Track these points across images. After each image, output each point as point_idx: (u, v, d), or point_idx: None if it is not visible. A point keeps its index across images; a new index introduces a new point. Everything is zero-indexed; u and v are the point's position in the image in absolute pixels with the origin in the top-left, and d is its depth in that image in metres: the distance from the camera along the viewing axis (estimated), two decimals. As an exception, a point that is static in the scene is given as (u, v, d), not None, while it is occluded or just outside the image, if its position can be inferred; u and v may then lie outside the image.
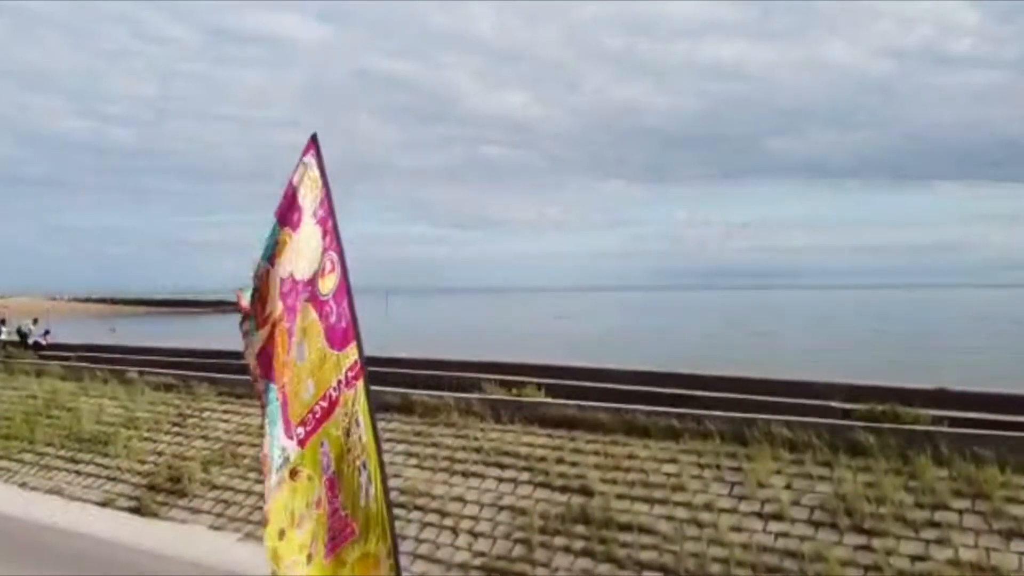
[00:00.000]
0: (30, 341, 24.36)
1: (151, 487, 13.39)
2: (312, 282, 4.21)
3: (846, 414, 12.30)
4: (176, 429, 15.26)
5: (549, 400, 12.65)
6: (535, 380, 15.48)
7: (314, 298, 4.22)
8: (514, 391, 13.21)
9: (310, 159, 4.34)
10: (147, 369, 17.91)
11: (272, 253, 4.06)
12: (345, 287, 4.38)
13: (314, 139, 4.39)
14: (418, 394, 13.68)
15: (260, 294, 4.06)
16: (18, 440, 16.15)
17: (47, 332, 25.77)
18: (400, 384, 16.78)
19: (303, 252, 4.15)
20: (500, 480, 11.40)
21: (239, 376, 17.32)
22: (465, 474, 11.73)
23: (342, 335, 4.33)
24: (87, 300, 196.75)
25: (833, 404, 12.70)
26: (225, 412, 15.36)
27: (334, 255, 4.34)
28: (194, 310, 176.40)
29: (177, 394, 16.58)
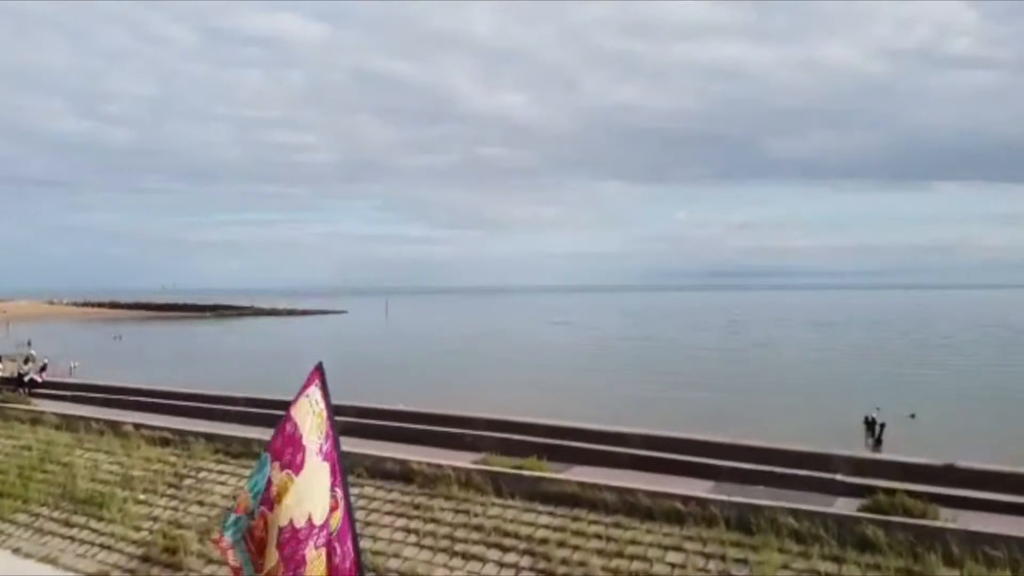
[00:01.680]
0: (26, 379, 24.10)
1: (145, 558, 13.18)
2: (325, 525, 4.01)
3: (851, 490, 12.15)
4: (172, 491, 15.04)
5: (551, 475, 12.45)
6: (538, 440, 15.33)
7: (326, 540, 4.03)
8: (516, 465, 12.98)
9: (314, 390, 4.15)
10: (143, 422, 17.67)
11: (266, 495, 3.85)
12: (349, 524, 4.18)
13: (319, 368, 4.21)
14: (418, 462, 13.48)
15: (254, 536, 3.85)
16: (12, 498, 15.93)
17: (43, 368, 25.52)
18: (399, 438, 16.66)
19: (307, 496, 3.95)
20: (501, 565, 11.19)
21: (235, 430, 17.12)
22: (465, 556, 11.53)
23: None
24: (86, 304, 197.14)
25: (838, 477, 12.54)
26: (221, 473, 15.14)
27: (339, 491, 4.15)
28: (194, 314, 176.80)
29: (173, 450, 16.37)
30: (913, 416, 38.63)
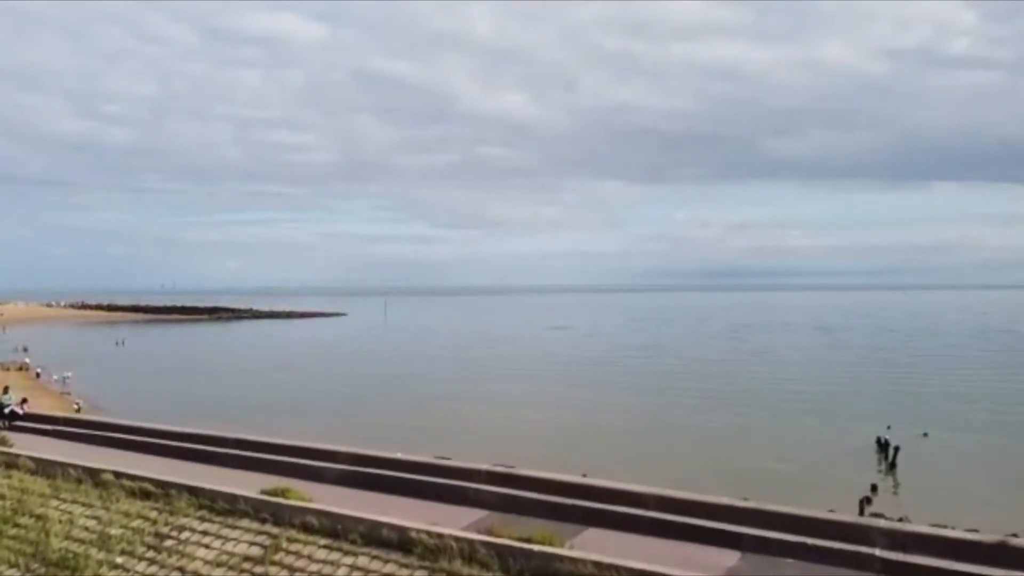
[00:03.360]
0: (6, 411, 22.99)
1: (120, 636, 12.09)
2: None
3: (891, 568, 11.08)
4: (151, 554, 13.92)
5: (564, 552, 11.33)
6: (545, 499, 14.25)
7: None
8: (524, 536, 11.88)
9: None
10: (123, 470, 16.54)
11: None
12: None
13: None
14: (417, 530, 12.36)
15: None
16: (-19, 557, 14.83)
17: (24, 400, 24.41)
18: (396, 490, 15.62)
19: None
20: (509, 660, 10.10)
21: (221, 479, 16.02)
22: (469, 647, 10.43)
23: None
24: (83, 306, 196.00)
25: (877, 553, 11.45)
26: (204, 534, 14.02)
27: None
28: (191, 317, 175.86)
29: (155, 504, 15.24)
30: (926, 435, 37.54)
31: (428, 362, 72.18)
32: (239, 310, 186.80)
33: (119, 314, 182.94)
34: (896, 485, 29.81)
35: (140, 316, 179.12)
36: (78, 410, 42.67)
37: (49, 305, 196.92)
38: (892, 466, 32.24)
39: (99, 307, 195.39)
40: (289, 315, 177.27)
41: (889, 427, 37.88)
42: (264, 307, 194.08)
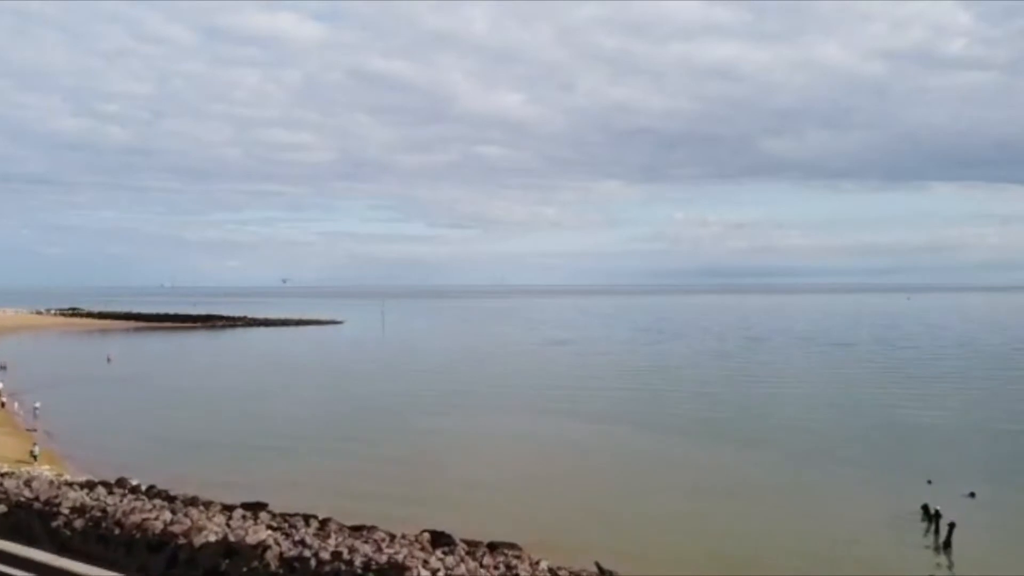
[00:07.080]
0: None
1: None
2: None
3: None
4: None
5: None
6: None
7: None
8: None
9: None
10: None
11: None
12: None
13: None
14: None
15: None
16: None
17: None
18: None
19: None
20: None
21: None
22: None
23: None
24: (75, 313, 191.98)
25: None
26: None
27: None
28: (185, 325, 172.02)
29: None
30: (973, 495, 33.96)
31: (422, 388, 68.62)
32: (233, 318, 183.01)
33: (109, 322, 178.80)
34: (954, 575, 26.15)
35: (132, 324, 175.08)
36: (35, 457, 39.10)
37: (39, 313, 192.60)
38: (947, 545, 28.45)
39: (91, 315, 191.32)
40: (284, 323, 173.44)
41: (930, 482, 34.32)
42: (259, 314, 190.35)
